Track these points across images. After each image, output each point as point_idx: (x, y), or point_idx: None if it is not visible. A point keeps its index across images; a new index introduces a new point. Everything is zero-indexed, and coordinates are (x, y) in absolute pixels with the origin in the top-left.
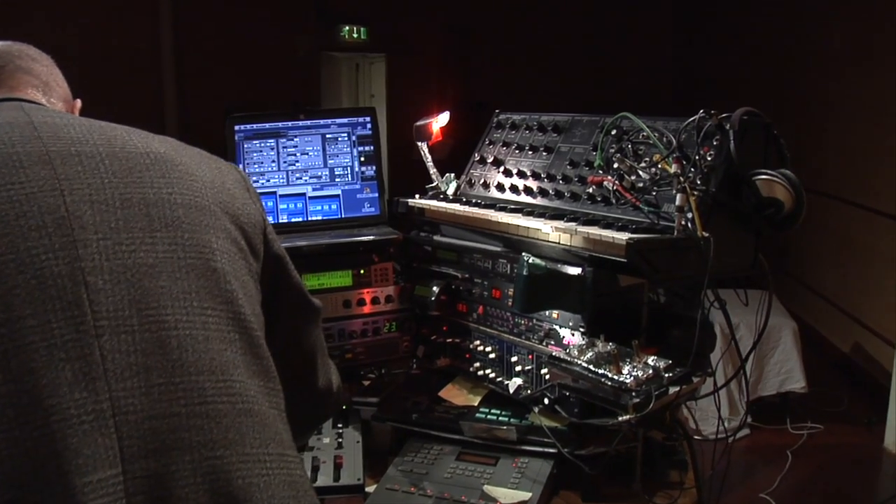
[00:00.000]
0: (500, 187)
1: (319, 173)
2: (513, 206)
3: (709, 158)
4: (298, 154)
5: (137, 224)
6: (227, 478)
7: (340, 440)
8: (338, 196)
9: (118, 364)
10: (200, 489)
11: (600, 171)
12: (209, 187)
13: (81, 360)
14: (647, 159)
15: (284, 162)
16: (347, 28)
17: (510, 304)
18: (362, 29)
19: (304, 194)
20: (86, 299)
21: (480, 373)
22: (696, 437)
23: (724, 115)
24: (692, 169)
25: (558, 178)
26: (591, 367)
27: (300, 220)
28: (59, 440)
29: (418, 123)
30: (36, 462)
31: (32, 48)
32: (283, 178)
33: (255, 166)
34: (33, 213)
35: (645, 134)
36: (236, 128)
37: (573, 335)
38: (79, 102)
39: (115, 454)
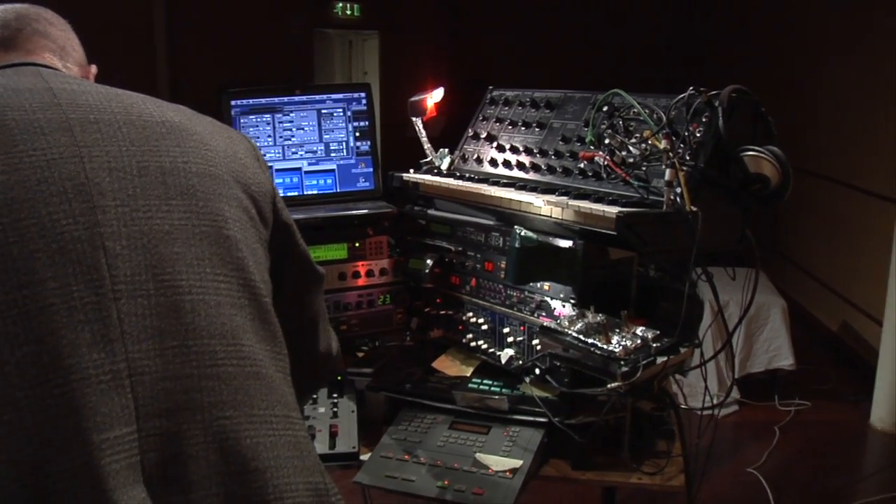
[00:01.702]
0: (493, 162)
1: (315, 148)
2: (505, 181)
3: (698, 135)
4: (294, 129)
5: (154, 192)
6: (236, 437)
7: (336, 410)
8: (333, 171)
9: (134, 326)
10: (210, 447)
11: (591, 147)
12: (222, 157)
13: (100, 322)
14: (637, 135)
15: (280, 137)
16: (340, 5)
17: (502, 276)
18: (355, 6)
19: (299, 169)
20: (104, 264)
21: (473, 344)
22: (682, 406)
23: (713, 92)
24: (681, 145)
25: (550, 153)
26: (581, 336)
27: (296, 194)
28: (79, 398)
29: (413, 99)
30: (56, 419)
31: (49, 11)
32: (279, 153)
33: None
34: (54, 178)
35: (636, 110)
36: (232, 103)
37: (564, 306)
38: (94, 68)
39: (130, 413)
